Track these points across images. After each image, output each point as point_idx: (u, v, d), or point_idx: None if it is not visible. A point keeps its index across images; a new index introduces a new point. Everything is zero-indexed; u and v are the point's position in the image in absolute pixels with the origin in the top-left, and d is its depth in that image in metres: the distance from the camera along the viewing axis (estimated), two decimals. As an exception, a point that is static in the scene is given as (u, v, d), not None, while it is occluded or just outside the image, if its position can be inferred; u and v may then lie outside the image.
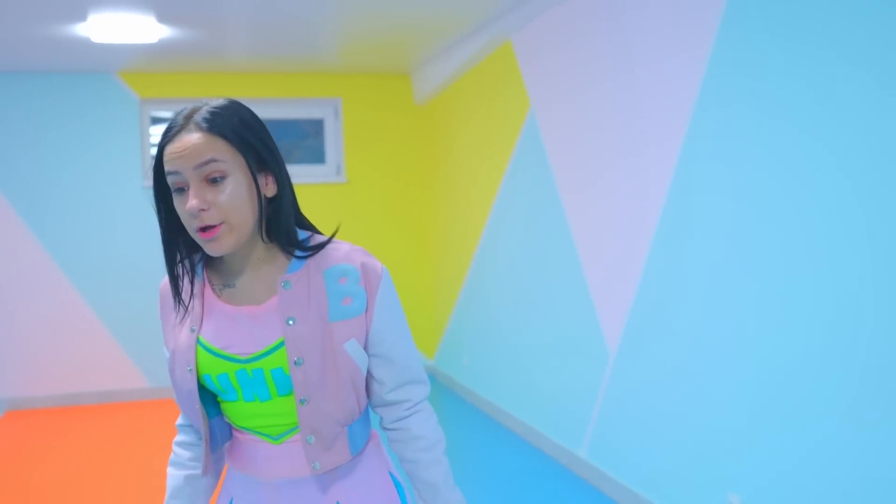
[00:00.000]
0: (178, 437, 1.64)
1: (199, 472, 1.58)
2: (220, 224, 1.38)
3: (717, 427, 3.21)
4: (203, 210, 1.37)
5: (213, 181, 1.38)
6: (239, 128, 1.41)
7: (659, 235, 3.58)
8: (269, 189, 1.47)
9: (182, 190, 1.39)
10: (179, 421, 1.65)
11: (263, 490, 1.52)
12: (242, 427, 1.52)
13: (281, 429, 1.49)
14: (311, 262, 1.49)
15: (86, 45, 5.66)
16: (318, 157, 7.28)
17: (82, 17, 4.95)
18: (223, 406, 1.53)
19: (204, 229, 1.38)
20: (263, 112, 6.99)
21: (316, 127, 7.28)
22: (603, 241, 4.11)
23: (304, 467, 1.49)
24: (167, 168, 1.40)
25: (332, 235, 1.55)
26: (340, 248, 1.52)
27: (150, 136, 6.94)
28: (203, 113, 1.41)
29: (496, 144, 5.55)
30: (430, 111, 7.13)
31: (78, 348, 6.67)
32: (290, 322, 1.43)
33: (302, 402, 1.44)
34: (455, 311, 6.69)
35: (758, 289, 2.94)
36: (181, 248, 1.52)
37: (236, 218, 1.39)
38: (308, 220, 1.59)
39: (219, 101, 1.44)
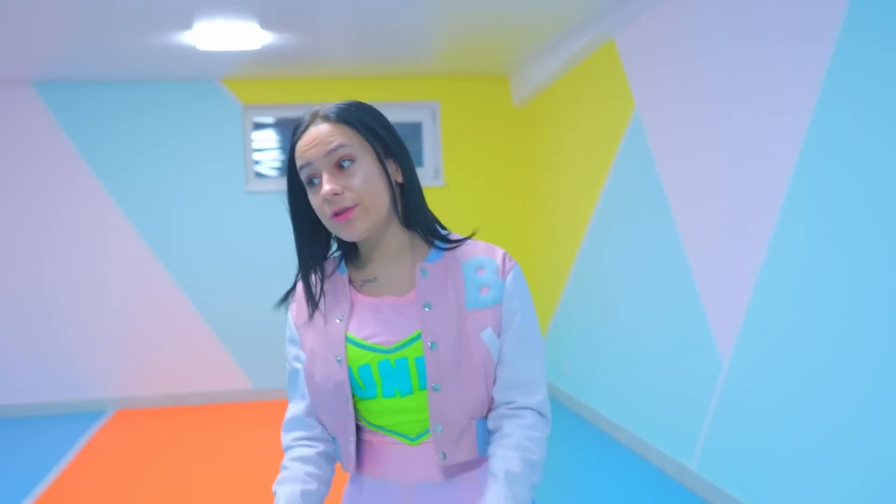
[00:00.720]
0: (293, 454, 1.55)
1: (314, 487, 1.50)
2: (355, 206, 1.42)
3: (840, 441, 3.01)
4: (337, 194, 1.42)
5: (343, 166, 1.44)
6: (363, 117, 1.48)
7: (776, 240, 3.40)
8: (397, 175, 1.51)
9: (314, 182, 1.45)
10: (290, 440, 1.57)
11: (396, 493, 1.49)
12: (379, 426, 1.50)
13: (419, 426, 1.47)
14: (448, 254, 1.52)
15: (191, 53, 5.78)
16: (416, 160, 7.28)
17: (188, 25, 5.05)
18: (359, 405, 1.51)
19: (338, 214, 1.42)
20: (362, 116, 7.01)
21: (414, 130, 7.28)
22: (714, 245, 3.94)
23: (440, 469, 1.47)
24: (299, 163, 1.46)
25: (471, 235, 1.58)
26: (480, 244, 1.54)
27: (252, 141, 7.05)
28: (328, 108, 1.50)
29: (598, 146, 5.42)
30: (529, 113, 7.03)
31: (185, 350, 6.82)
32: (427, 308, 1.45)
33: (434, 387, 1.43)
34: (556, 316, 6.57)
35: (886, 296, 2.75)
36: (315, 249, 1.56)
37: (370, 199, 1.44)
38: (435, 216, 1.60)
39: (342, 101, 1.52)
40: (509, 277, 1.49)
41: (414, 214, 1.53)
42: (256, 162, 7.09)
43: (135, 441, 5.78)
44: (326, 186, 1.42)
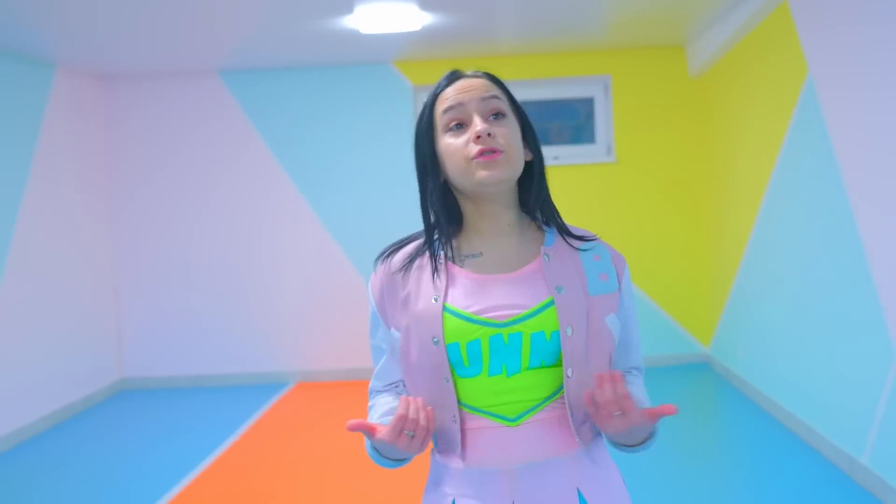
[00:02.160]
0: (375, 399, 1.62)
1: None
2: (502, 152, 1.42)
3: None
4: (490, 134, 1.42)
5: (495, 117, 1.46)
6: (510, 91, 1.52)
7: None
8: (526, 154, 1.51)
9: (460, 126, 1.46)
10: (371, 401, 1.62)
11: (496, 480, 1.44)
12: (476, 408, 1.45)
13: (521, 407, 1.44)
14: (561, 239, 1.52)
15: (357, 37, 5.92)
16: (587, 136, 7.11)
17: (349, 9, 5.18)
18: (458, 385, 1.46)
19: (485, 153, 1.42)
20: (533, 93, 6.95)
21: (585, 106, 7.11)
22: (890, 224, 3.58)
23: (542, 450, 1.43)
24: (447, 104, 1.47)
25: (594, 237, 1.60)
26: (583, 232, 1.55)
27: (423, 122, 7.15)
28: (478, 70, 1.53)
29: (772, 115, 5.06)
30: (705, 84, 6.67)
31: (359, 328, 7.03)
32: (560, 290, 1.43)
33: (568, 374, 1.41)
34: (730, 298, 6.23)
35: None
36: (439, 215, 1.53)
37: (514, 153, 1.44)
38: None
39: None
40: (625, 275, 1.52)
41: (538, 194, 1.51)
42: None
43: (311, 411, 6.07)
44: (482, 126, 1.42)
